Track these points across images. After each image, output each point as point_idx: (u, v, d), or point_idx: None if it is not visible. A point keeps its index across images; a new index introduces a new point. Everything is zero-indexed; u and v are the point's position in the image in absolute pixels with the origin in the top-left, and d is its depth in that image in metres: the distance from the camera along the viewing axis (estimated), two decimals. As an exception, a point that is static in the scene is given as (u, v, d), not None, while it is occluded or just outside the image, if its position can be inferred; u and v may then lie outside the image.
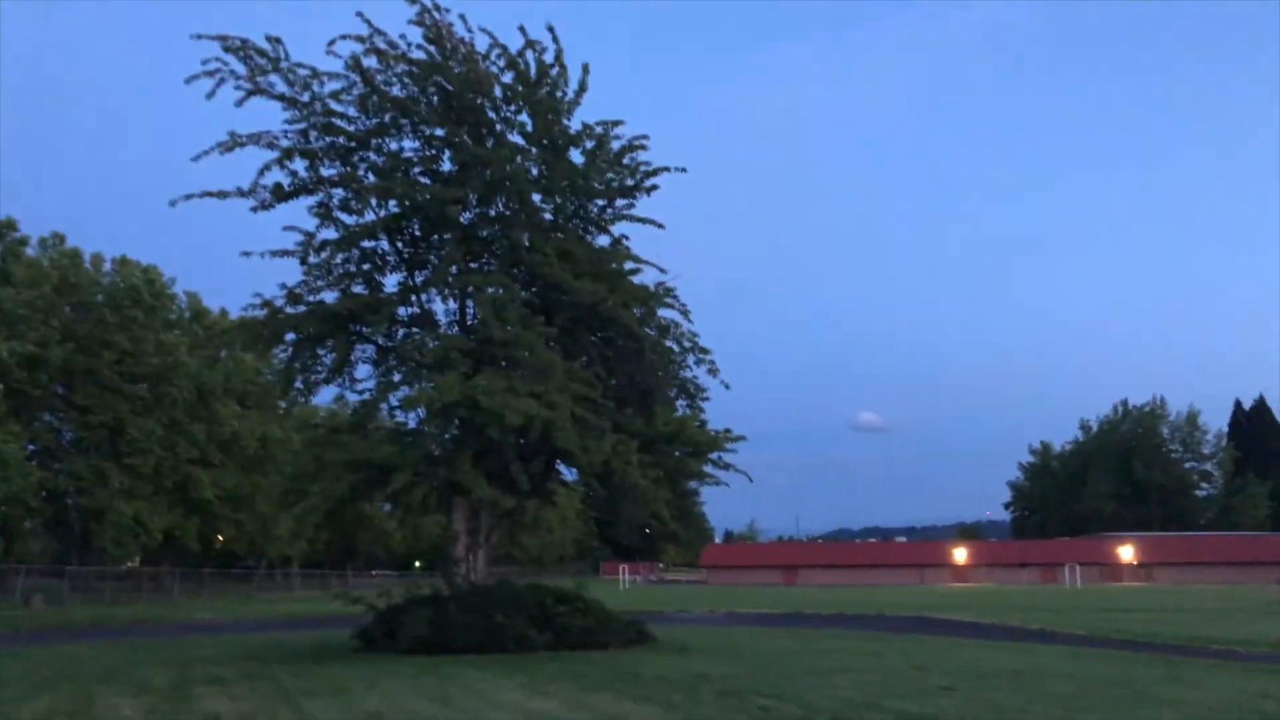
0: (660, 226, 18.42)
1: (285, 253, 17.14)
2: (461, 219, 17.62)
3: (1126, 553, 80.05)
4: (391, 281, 18.50)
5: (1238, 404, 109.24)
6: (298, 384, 18.50)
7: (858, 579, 78.70)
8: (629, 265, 18.41)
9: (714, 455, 18.76)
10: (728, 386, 19.25)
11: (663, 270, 18.48)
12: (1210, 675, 13.22)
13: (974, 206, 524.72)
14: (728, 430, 19.38)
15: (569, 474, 18.93)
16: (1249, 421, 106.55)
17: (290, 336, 17.84)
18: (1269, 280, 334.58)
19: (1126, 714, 9.57)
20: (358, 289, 18.03)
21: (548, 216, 18.38)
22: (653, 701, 10.35)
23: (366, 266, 18.19)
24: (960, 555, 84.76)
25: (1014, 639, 20.45)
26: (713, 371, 18.83)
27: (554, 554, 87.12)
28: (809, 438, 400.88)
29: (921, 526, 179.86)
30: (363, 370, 18.66)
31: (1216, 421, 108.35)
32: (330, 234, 17.50)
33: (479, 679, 12.29)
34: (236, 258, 17.34)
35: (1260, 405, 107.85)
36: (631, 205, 18.66)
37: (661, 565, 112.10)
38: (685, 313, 18.53)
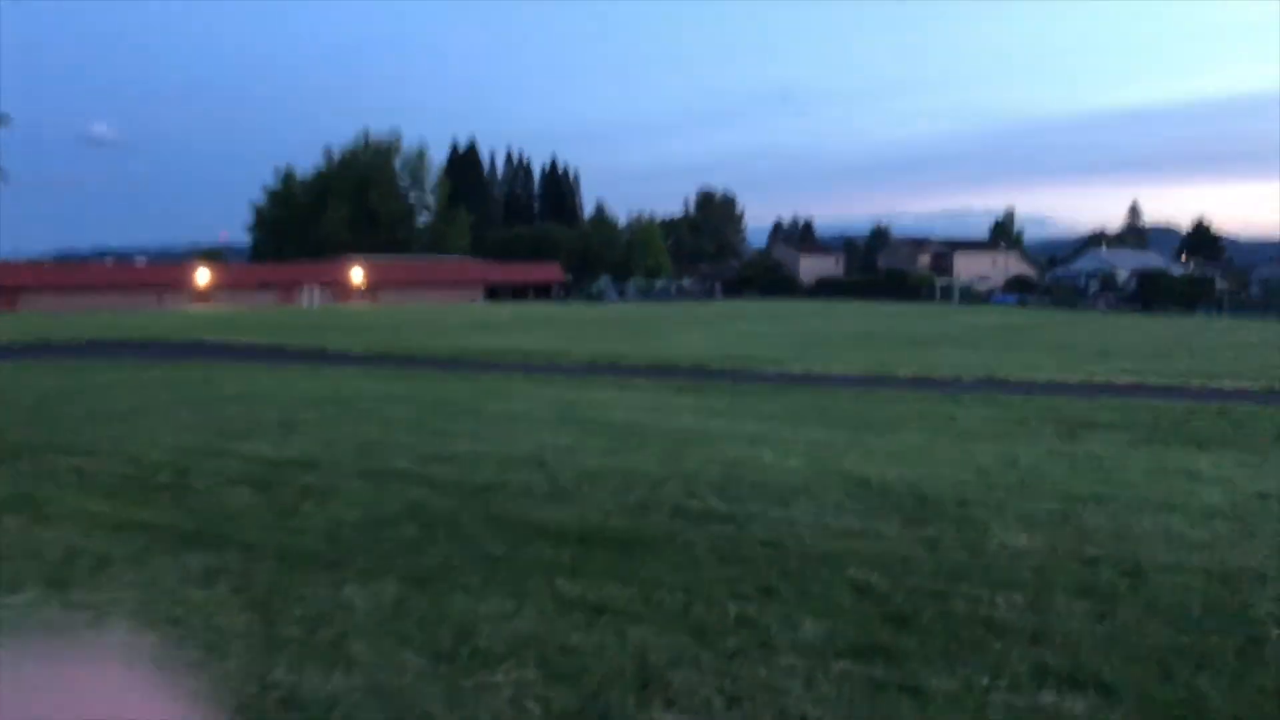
0: None
1: None
2: None
3: (357, 275, 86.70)
4: None
5: (454, 145, 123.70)
6: None
7: (93, 303, 70.73)
8: None
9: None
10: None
11: None
12: (510, 383, 15.29)
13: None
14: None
15: None
16: (462, 160, 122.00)
17: None
18: (488, 36, 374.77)
19: (453, 427, 10.50)
20: None
21: None
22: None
23: None
24: (203, 277, 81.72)
25: (303, 362, 20.70)
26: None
27: None
28: (28, 148, 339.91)
29: (156, 248, 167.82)
30: None
31: (438, 157, 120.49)
32: None
33: None
34: None
35: (471, 147, 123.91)
36: None
37: None
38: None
